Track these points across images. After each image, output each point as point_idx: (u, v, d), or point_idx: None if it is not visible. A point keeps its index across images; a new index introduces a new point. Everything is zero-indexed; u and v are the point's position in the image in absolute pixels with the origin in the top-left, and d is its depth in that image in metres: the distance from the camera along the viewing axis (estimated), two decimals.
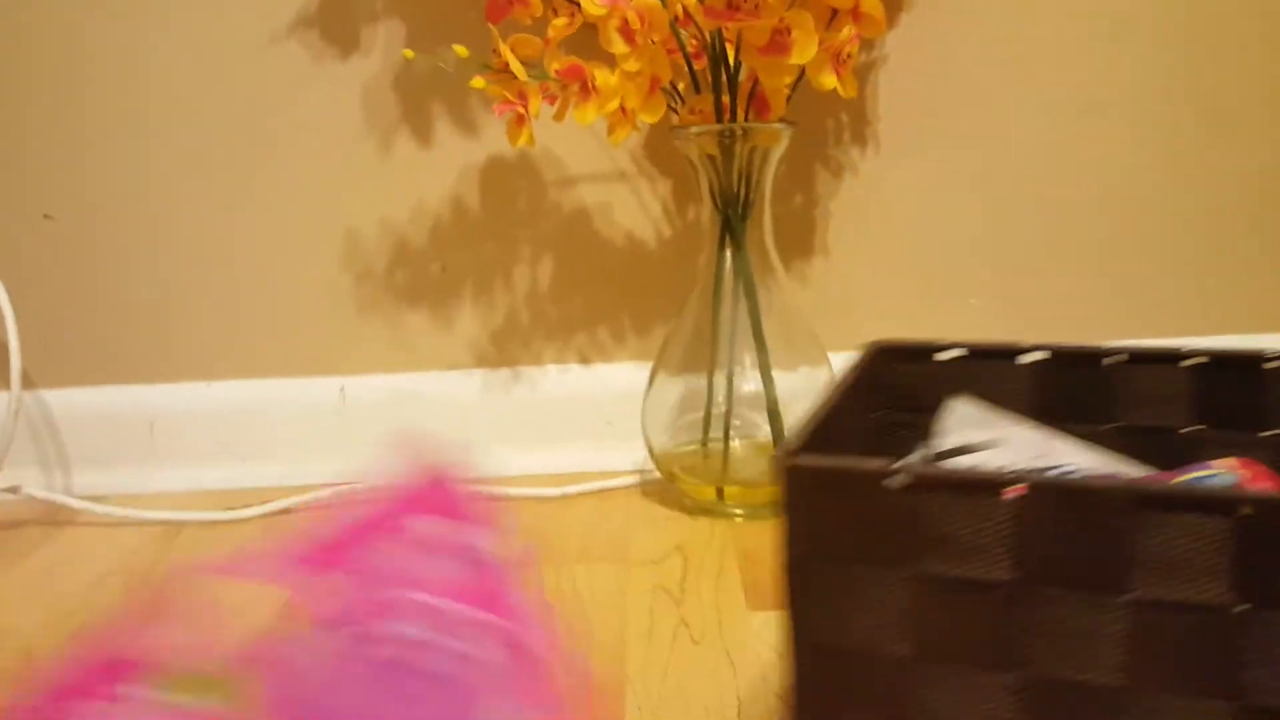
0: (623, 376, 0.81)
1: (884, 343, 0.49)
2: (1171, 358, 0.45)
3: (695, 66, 0.68)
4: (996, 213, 0.79)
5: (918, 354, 0.49)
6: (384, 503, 0.27)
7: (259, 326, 0.82)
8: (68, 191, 0.80)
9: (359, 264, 0.81)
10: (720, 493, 0.71)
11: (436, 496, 0.27)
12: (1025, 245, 0.80)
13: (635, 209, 0.80)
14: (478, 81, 0.64)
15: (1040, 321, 0.81)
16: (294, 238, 0.81)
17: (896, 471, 0.32)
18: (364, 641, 0.23)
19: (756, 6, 0.61)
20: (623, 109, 0.64)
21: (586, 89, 0.64)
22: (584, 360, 0.82)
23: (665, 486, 0.78)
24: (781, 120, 0.69)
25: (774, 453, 0.33)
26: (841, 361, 0.80)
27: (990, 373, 0.47)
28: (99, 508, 0.77)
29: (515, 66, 0.63)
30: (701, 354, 0.71)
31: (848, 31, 0.64)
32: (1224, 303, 0.80)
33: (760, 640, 0.54)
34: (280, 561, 0.27)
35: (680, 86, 0.70)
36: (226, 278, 0.82)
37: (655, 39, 0.64)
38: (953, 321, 0.81)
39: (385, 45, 0.78)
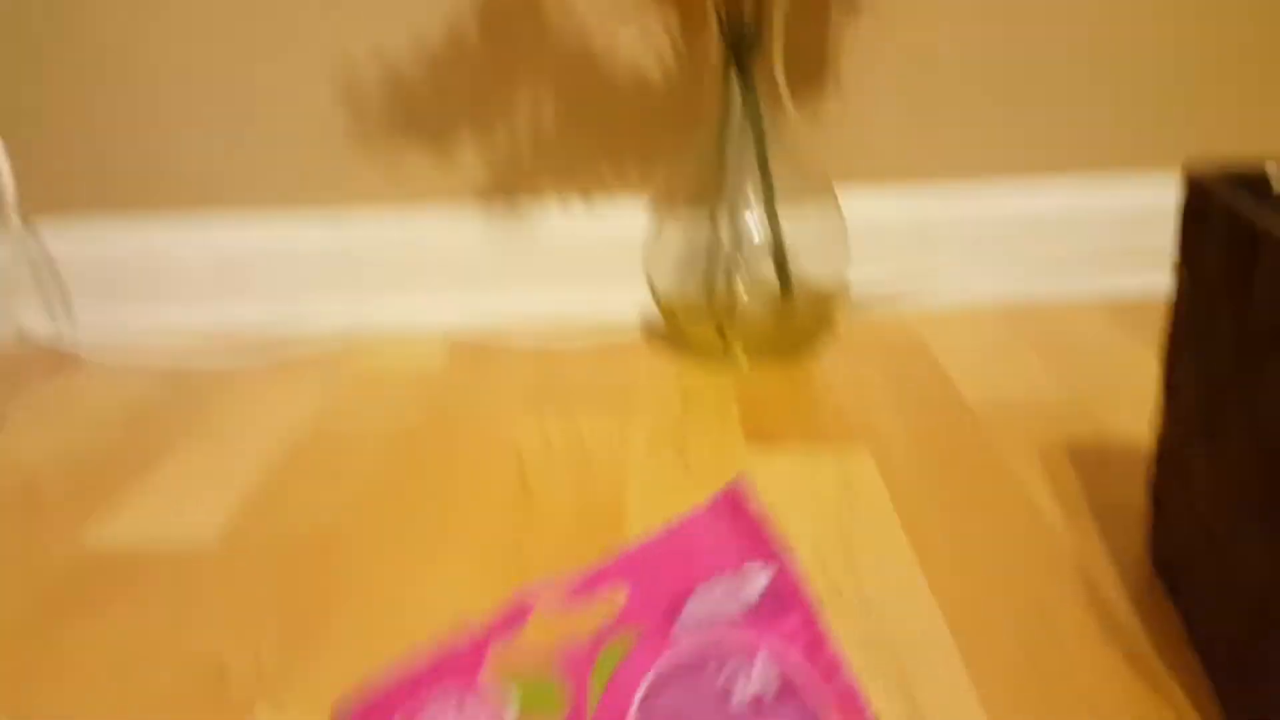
0: (625, 217, 0.79)
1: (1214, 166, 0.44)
2: None
3: None
4: (1011, 44, 0.75)
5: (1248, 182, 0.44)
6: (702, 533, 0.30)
7: (254, 162, 0.80)
8: (59, 21, 0.77)
9: (357, 98, 0.78)
10: (723, 336, 0.70)
11: (741, 525, 0.30)
12: (1042, 75, 0.76)
13: (641, 41, 0.76)
14: None
15: (1059, 151, 0.78)
16: (289, 68, 0.78)
17: None
18: (709, 688, 0.26)
19: None
20: None
21: None
22: (586, 196, 0.80)
23: (667, 331, 0.77)
24: None
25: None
26: (847, 200, 0.78)
27: None
28: (101, 349, 0.77)
29: None
30: (706, 194, 0.69)
31: None
32: (1228, 135, 0.77)
33: (762, 484, 0.54)
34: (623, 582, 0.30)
35: None
36: (221, 109, 0.79)
37: None
38: (963, 153, 0.78)
39: None
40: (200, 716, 0.40)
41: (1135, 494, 0.51)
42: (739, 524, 0.30)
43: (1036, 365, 0.68)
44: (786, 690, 0.26)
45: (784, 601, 0.28)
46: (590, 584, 0.31)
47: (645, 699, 0.26)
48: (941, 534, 0.49)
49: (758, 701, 0.25)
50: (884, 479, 0.54)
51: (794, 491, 0.53)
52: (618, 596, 0.30)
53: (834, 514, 0.51)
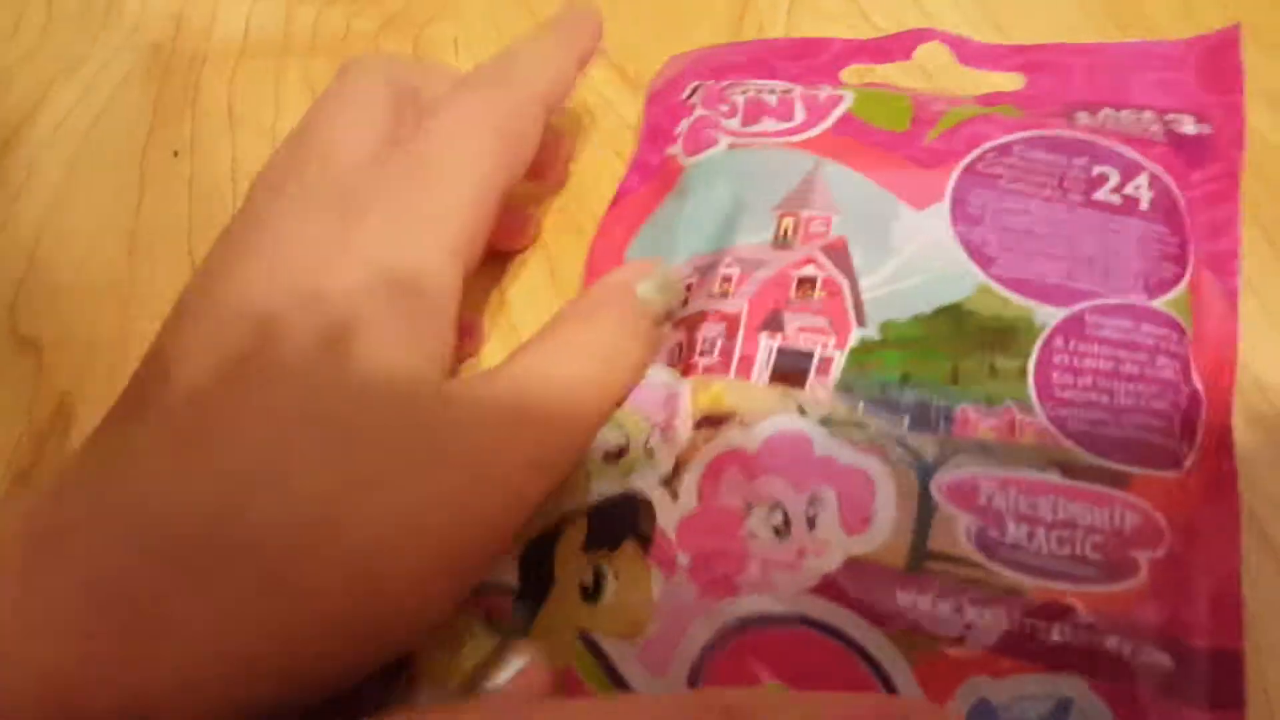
0: None
1: None
2: None
3: None
4: None
5: None
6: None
7: None
8: None
9: None
10: None
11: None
12: None
13: None
14: None
15: None
16: None
17: None
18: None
19: None
20: None
21: None
22: None
23: None
24: None
25: None
26: None
27: None
28: None
29: None
30: None
31: None
32: None
33: None
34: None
35: None
36: None
37: None
38: None
39: None
40: None
41: None
42: (1207, 69, 0.24)
43: None
44: (1162, 214, 0.21)
45: (1210, 154, 0.22)
46: (988, 57, 0.26)
47: (989, 151, 0.21)
48: None
49: (1121, 207, 0.20)
50: None
51: None
52: (1013, 81, 0.25)
53: None
